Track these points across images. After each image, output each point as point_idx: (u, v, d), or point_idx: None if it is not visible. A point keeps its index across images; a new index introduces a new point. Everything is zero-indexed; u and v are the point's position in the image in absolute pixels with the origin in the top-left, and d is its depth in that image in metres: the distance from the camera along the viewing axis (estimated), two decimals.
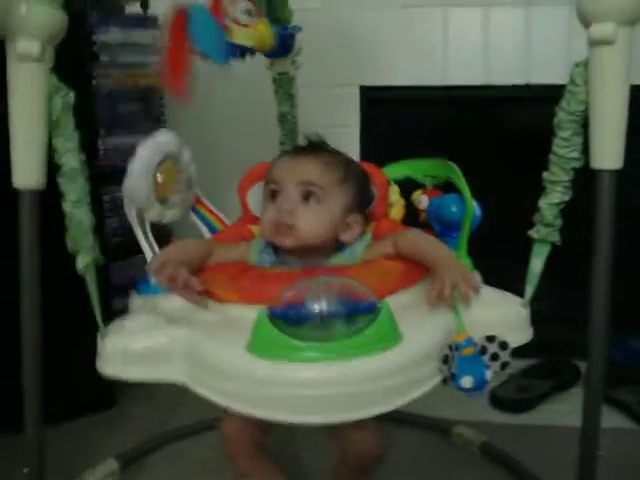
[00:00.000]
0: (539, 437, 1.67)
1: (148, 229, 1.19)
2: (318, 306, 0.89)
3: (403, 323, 0.93)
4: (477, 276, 1.17)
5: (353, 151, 2.06)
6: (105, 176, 1.74)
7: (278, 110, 1.57)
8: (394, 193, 1.29)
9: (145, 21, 1.91)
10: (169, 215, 1.26)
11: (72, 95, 1.05)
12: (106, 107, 1.82)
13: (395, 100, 2.09)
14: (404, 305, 0.99)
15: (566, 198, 1.05)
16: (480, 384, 0.96)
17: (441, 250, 1.08)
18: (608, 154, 0.99)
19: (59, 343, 1.08)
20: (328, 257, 1.14)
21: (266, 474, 1.27)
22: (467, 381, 0.95)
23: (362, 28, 2.03)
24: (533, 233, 1.08)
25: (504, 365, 0.97)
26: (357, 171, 1.20)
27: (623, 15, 0.93)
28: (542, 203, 1.06)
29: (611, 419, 1.68)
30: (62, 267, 1.07)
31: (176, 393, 0.99)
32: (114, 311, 1.78)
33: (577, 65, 0.99)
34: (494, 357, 0.97)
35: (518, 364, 1.90)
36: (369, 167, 1.28)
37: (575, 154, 1.02)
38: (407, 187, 1.32)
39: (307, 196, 1.11)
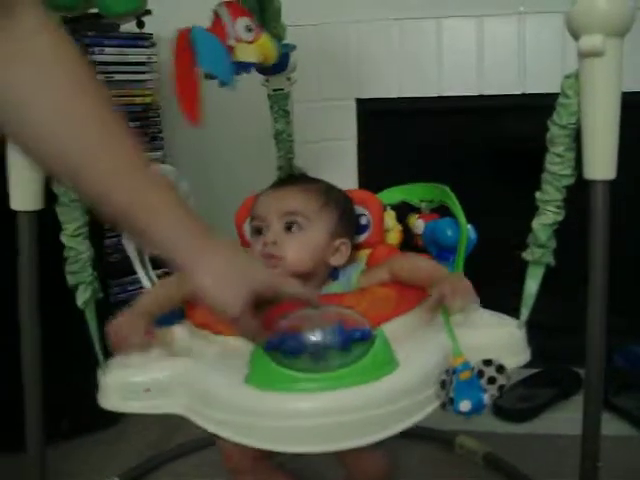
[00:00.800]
0: (542, 446, 1.67)
1: (147, 261, 1.19)
2: (314, 337, 0.90)
3: (399, 350, 0.94)
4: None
5: (350, 164, 2.07)
6: None
7: (274, 128, 1.58)
8: (390, 218, 1.29)
9: (140, 39, 1.92)
10: None
11: None
12: None
13: (391, 112, 2.10)
14: (399, 332, 0.99)
15: (559, 218, 1.04)
16: (478, 408, 0.96)
17: (439, 268, 1.10)
18: (601, 165, 0.99)
19: (60, 362, 1.09)
20: (322, 285, 1.15)
21: None
22: (465, 405, 0.95)
23: (356, 41, 2.04)
24: (527, 255, 1.08)
25: (501, 388, 0.98)
26: (338, 196, 1.20)
27: (612, 27, 0.94)
28: (535, 224, 1.06)
29: (613, 426, 1.67)
30: (62, 285, 1.08)
31: None
32: None
33: (567, 77, 1.00)
34: (491, 380, 0.97)
35: (520, 373, 1.90)
36: (363, 193, 1.29)
37: (568, 171, 1.02)
38: (403, 211, 1.32)
39: (290, 226, 1.12)
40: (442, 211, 1.26)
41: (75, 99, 0.71)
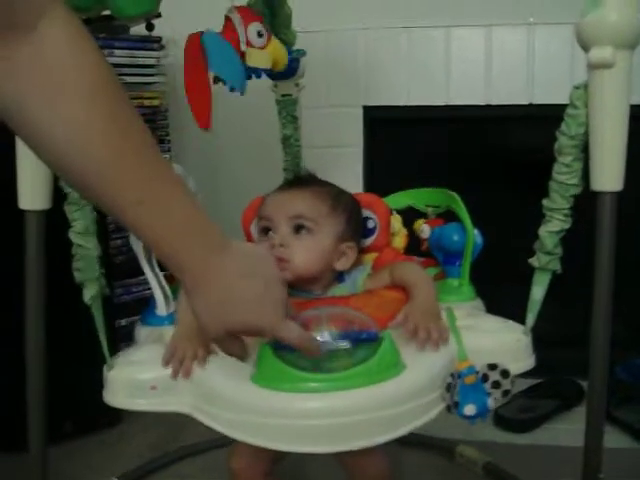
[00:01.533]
0: (543, 457, 1.66)
1: (155, 262, 1.19)
2: (321, 337, 0.90)
3: (405, 352, 0.94)
4: (479, 303, 1.19)
5: (357, 171, 2.08)
6: None
7: (282, 133, 1.58)
8: (396, 222, 1.29)
9: (150, 42, 1.93)
10: None
11: None
12: None
13: (398, 120, 2.10)
14: (404, 334, 0.99)
15: (566, 226, 1.04)
16: (483, 412, 0.96)
17: (423, 290, 1.08)
18: (608, 176, 1.00)
19: (63, 361, 1.09)
20: (327, 288, 1.15)
21: None
22: (470, 409, 0.95)
23: (365, 48, 2.05)
24: (534, 261, 1.08)
25: (506, 393, 0.98)
26: (347, 200, 1.20)
27: (622, 39, 0.94)
28: (542, 231, 1.06)
29: (615, 439, 1.67)
30: (66, 285, 1.08)
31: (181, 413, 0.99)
32: (117, 330, 1.80)
33: (577, 87, 1.00)
34: (496, 385, 0.97)
35: (522, 384, 1.90)
36: (370, 197, 1.28)
37: (575, 180, 1.02)
38: (409, 216, 1.33)
39: (298, 229, 1.11)
40: (448, 216, 1.27)
41: (94, 109, 0.69)
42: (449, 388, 0.95)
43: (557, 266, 1.07)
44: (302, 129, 1.62)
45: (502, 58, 2.00)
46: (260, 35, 1.25)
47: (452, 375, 0.95)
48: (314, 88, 1.59)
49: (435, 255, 1.27)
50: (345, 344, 0.90)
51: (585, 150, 1.01)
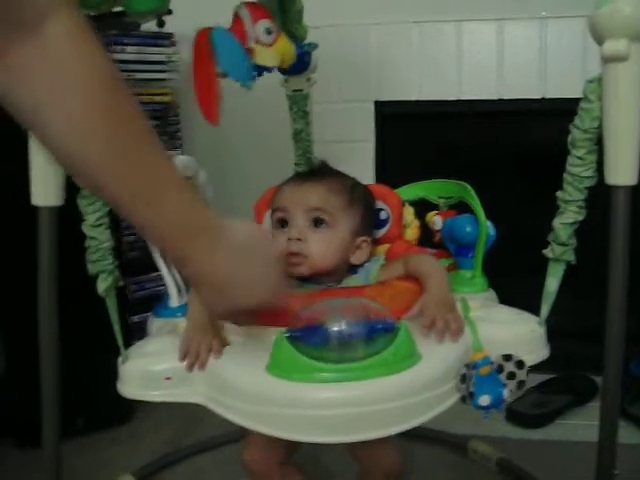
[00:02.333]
0: (556, 452, 1.66)
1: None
2: (337, 327, 0.90)
3: (420, 343, 0.94)
4: (492, 294, 1.18)
5: (368, 166, 2.07)
6: None
7: (293, 127, 1.58)
8: (409, 214, 1.29)
9: (161, 38, 1.93)
10: None
11: None
12: None
13: (410, 115, 2.09)
14: (419, 325, 0.99)
15: (580, 218, 1.04)
16: (497, 402, 0.96)
17: (437, 281, 1.07)
18: (623, 170, 0.99)
19: (76, 358, 1.09)
20: (341, 280, 1.15)
21: None
22: (485, 399, 0.95)
23: (376, 44, 2.04)
24: (548, 253, 1.07)
25: (521, 384, 0.98)
26: (363, 193, 1.20)
27: (636, 31, 0.93)
28: (556, 223, 1.06)
29: (629, 435, 1.66)
30: (80, 281, 1.09)
31: (195, 408, 0.99)
32: (131, 326, 1.81)
33: (590, 81, 0.99)
34: (511, 376, 0.98)
35: (535, 379, 1.90)
36: (383, 189, 1.28)
37: (589, 172, 1.02)
38: (421, 208, 1.32)
39: (316, 222, 1.11)
40: (460, 208, 1.26)
41: (96, 107, 0.71)
42: (464, 379, 0.95)
43: (571, 257, 1.06)
44: (313, 124, 1.61)
45: (514, 52, 1.99)
46: (268, 32, 1.25)
47: (467, 366, 0.95)
48: (325, 83, 1.59)
49: (447, 247, 1.26)
50: (361, 334, 0.90)
51: (599, 143, 1.01)
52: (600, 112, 0.99)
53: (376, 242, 1.24)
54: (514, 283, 1.30)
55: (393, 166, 2.09)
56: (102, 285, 1.08)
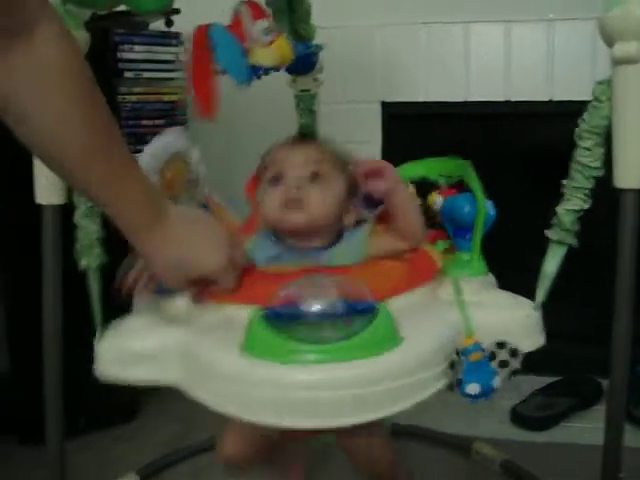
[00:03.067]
0: (561, 455, 1.66)
1: None
2: (314, 307, 0.87)
3: (405, 326, 0.91)
4: (491, 278, 1.16)
5: None
6: None
7: (299, 122, 1.58)
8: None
9: (169, 38, 1.93)
10: None
11: None
12: (129, 123, 1.84)
13: (417, 116, 2.09)
14: (407, 307, 0.97)
15: (586, 206, 1.02)
16: (487, 391, 0.93)
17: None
18: (632, 173, 0.98)
19: (80, 356, 1.09)
20: (327, 245, 1.10)
21: None
22: (473, 388, 0.93)
23: (383, 44, 2.05)
24: (550, 234, 1.05)
25: (513, 372, 0.95)
26: (348, 164, 1.16)
27: None
28: (560, 209, 1.04)
29: (633, 437, 1.65)
30: (83, 280, 1.09)
31: (198, 406, 0.99)
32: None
33: (600, 83, 0.99)
34: (503, 364, 0.95)
35: (540, 381, 1.90)
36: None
37: (597, 163, 1.00)
38: (423, 189, 1.28)
39: (313, 177, 1.08)
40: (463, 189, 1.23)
41: (75, 105, 0.79)
42: (452, 365, 0.92)
43: (574, 240, 1.04)
44: (319, 126, 1.61)
45: (522, 54, 1.99)
46: (267, 32, 1.25)
47: (457, 352, 0.93)
48: (331, 84, 1.59)
49: (446, 227, 1.21)
50: (338, 314, 0.87)
51: (607, 141, 1.00)
52: (609, 112, 0.98)
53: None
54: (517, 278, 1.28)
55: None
56: (85, 260, 1.10)
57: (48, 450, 1.16)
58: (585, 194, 1.03)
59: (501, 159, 2.09)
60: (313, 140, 1.19)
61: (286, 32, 1.32)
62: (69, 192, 1.10)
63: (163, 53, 1.93)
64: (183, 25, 1.88)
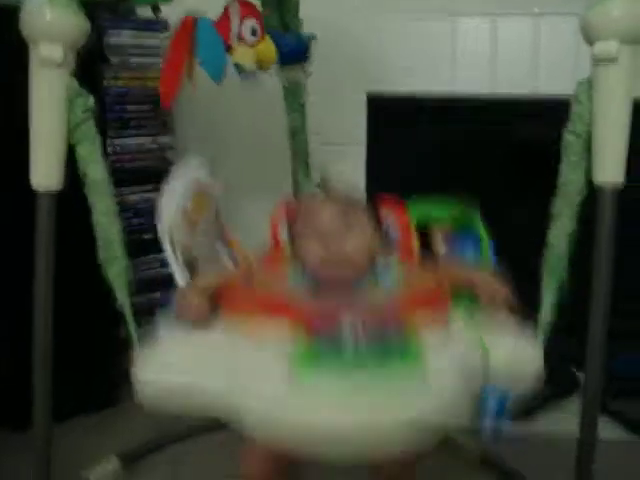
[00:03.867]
0: (537, 445, 1.67)
1: (179, 254, 1.20)
2: (352, 336, 0.92)
3: (432, 359, 0.94)
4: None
5: (359, 161, 2.07)
6: (113, 177, 1.75)
7: (289, 125, 1.58)
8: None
9: (156, 25, 1.92)
10: (198, 243, 1.26)
11: (92, 99, 1.07)
12: (115, 108, 1.84)
13: (403, 109, 2.09)
14: (434, 341, 0.99)
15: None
16: (500, 430, 1.01)
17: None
18: (610, 168, 1.00)
19: (66, 341, 1.09)
20: (363, 277, 1.14)
21: None
22: (490, 422, 1.00)
23: (370, 38, 2.04)
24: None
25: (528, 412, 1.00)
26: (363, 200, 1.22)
27: (627, 33, 0.95)
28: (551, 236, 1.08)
29: (610, 431, 1.68)
30: (73, 265, 1.09)
31: None
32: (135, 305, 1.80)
33: (581, 83, 1.01)
34: (508, 404, 1.01)
35: None
36: (393, 205, 1.29)
37: (581, 182, 1.04)
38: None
39: (348, 225, 1.11)
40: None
41: None
42: (474, 401, 0.98)
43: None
44: (307, 117, 1.61)
45: (508, 48, 2.00)
46: (253, 33, 1.25)
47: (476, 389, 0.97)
48: (316, 76, 1.59)
49: None
50: (371, 344, 0.91)
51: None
52: (590, 114, 1.00)
53: None
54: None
55: (385, 160, 2.09)
56: (111, 272, 1.10)
57: (35, 435, 1.16)
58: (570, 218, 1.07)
59: (486, 151, 2.10)
60: (337, 191, 1.19)
61: (275, 23, 1.32)
62: (75, 193, 1.09)
63: (149, 39, 1.92)
64: (170, 13, 1.88)
